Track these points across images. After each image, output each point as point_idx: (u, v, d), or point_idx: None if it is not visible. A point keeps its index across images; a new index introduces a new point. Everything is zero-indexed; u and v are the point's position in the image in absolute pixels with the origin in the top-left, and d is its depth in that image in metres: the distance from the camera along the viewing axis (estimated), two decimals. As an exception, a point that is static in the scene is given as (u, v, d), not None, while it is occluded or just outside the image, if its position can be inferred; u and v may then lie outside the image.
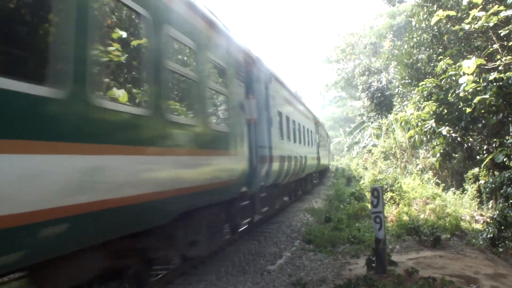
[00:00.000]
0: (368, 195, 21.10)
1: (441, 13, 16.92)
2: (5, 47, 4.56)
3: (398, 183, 22.83)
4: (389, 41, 51.26)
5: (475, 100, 14.61)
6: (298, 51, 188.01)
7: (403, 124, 25.31)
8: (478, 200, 21.02)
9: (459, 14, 18.51)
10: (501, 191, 15.70)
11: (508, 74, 14.34)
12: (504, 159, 16.06)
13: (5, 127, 4.20)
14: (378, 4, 64.32)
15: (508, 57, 15.70)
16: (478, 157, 18.89)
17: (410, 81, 25.69)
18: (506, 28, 15.10)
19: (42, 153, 4.62)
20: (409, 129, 23.51)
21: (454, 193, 22.60)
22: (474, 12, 15.14)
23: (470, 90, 15.01)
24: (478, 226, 16.63)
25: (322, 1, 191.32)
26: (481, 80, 14.88)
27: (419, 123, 18.96)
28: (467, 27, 16.10)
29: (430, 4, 22.39)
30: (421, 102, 20.17)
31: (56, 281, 6.13)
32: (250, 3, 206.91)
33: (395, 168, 32.73)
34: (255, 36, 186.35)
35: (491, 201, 19.61)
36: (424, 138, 19.98)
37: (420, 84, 19.58)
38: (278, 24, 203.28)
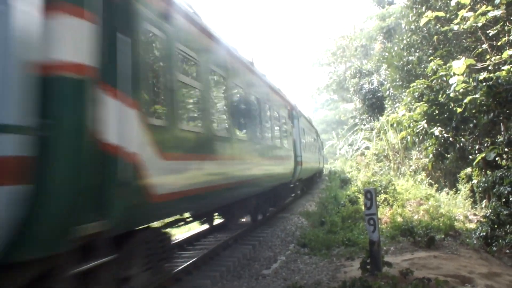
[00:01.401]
0: (361, 197, 21.14)
1: (430, 14, 17.00)
2: None
3: (392, 185, 22.86)
4: (379, 43, 51.32)
5: (466, 100, 14.67)
6: (289, 54, 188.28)
7: (395, 125, 25.37)
8: (472, 199, 21.07)
9: (448, 15, 18.59)
10: (494, 190, 15.75)
11: (497, 73, 14.40)
12: (496, 158, 16.11)
13: None
14: (368, 6, 64.53)
15: (497, 56, 15.76)
16: (470, 157, 18.95)
17: (401, 83, 25.77)
18: (494, 28, 15.18)
19: None
20: (401, 131, 23.57)
21: (448, 193, 22.67)
22: (463, 13, 15.21)
23: (461, 90, 15.07)
24: (472, 226, 16.68)
25: (312, 4, 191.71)
26: (471, 80, 14.94)
27: (411, 124, 19.01)
28: (456, 27, 16.17)
29: (419, 6, 22.48)
30: (413, 103, 20.24)
31: None
32: (241, 5, 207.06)
33: (388, 169, 32.76)
34: (246, 37, 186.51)
35: (484, 201, 19.65)
36: (416, 139, 20.02)
37: (411, 85, 19.64)
38: (269, 27, 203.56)
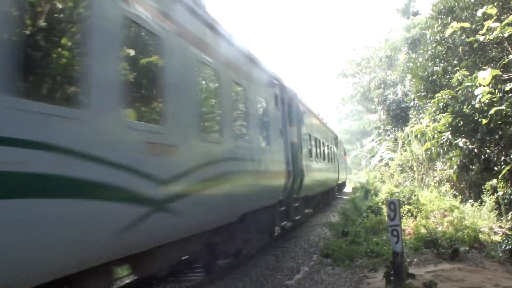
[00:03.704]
0: (385, 208, 21.01)
1: (455, 25, 16.86)
2: None
3: (415, 196, 22.70)
4: (404, 54, 51.11)
5: (491, 111, 14.54)
6: (314, 65, 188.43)
7: (419, 136, 25.21)
8: (497, 211, 20.84)
9: (474, 26, 18.46)
10: (520, 202, 15.60)
11: (524, 84, 14.28)
12: (522, 170, 15.95)
13: None
14: (393, 17, 64.32)
15: (524, 67, 15.64)
16: (495, 168, 18.77)
17: (425, 93, 25.58)
18: (521, 38, 15.06)
19: None
20: (425, 142, 23.40)
21: (472, 205, 22.43)
22: (489, 23, 15.09)
23: (486, 101, 14.94)
24: (497, 238, 16.49)
25: (338, 16, 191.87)
26: (497, 91, 14.81)
27: (435, 135, 18.88)
28: (481, 38, 16.03)
29: (444, 16, 22.35)
30: (437, 114, 20.10)
31: None
32: (266, 18, 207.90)
33: (412, 180, 32.57)
34: (272, 50, 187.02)
35: (510, 213, 19.45)
36: (441, 150, 19.88)
37: (436, 96, 19.52)
38: (295, 39, 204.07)
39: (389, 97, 47.37)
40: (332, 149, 32.31)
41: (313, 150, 21.97)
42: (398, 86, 48.24)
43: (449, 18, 21.50)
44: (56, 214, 4.74)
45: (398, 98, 45.83)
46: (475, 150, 17.69)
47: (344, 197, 40.63)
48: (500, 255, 13.75)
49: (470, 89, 16.25)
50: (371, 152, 55.20)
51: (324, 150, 26.89)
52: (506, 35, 14.97)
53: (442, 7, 22.48)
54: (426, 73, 24.67)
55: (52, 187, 4.67)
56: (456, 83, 17.60)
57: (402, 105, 44.01)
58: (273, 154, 13.36)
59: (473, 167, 19.86)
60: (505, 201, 18.02)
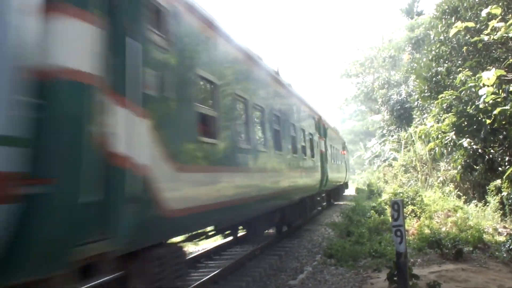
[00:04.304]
0: (389, 208, 20.97)
1: (459, 25, 16.83)
2: None
3: (419, 196, 22.63)
4: (408, 54, 51.08)
5: (495, 112, 14.52)
6: (318, 66, 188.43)
7: (423, 137, 25.18)
8: (501, 212, 20.76)
9: (478, 26, 18.42)
10: (524, 203, 15.54)
11: (528, 84, 14.27)
12: (527, 170, 15.91)
13: None
14: (397, 17, 64.40)
15: (529, 67, 15.62)
16: (500, 168, 18.71)
17: (429, 94, 25.53)
18: (526, 38, 15.04)
19: None
20: (429, 142, 23.35)
21: (476, 205, 22.35)
22: (493, 23, 15.05)
23: (490, 101, 14.91)
24: (502, 239, 16.43)
25: (342, 16, 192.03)
26: (501, 91, 14.78)
27: (439, 136, 18.84)
28: (486, 38, 16.00)
29: (449, 16, 22.31)
30: (441, 115, 20.06)
31: None
32: (271, 18, 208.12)
33: (415, 181, 32.49)
34: (275, 50, 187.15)
35: (514, 213, 19.38)
36: (445, 151, 19.83)
37: (440, 96, 19.48)
38: (299, 40, 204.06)
39: (393, 98, 47.35)
40: (308, 135, 20.80)
41: (223, 120, 9.48)
42: (402, 86, 48.21)
43: (453, 18, 21.49)
44: None
45: (402, 99, 45.78)
46: (479, 151, 17.65)
47: (342, 203, 40.17)
48: (504, 255, 13.70)
49: (474, 90, 16.24)
50: (374, 152, 55.22)
51: (279, 132, 14.72)
52: (510, 35, 14.95)
53: (446, 7, 22.45)
54: (430, 73, 24.64)
55: None
56: (460, 84, 17.59)
57: (406, 106, 43.99)
58: None
59: (477, 167, 19.79)
60: (510, 201, 17.94)
